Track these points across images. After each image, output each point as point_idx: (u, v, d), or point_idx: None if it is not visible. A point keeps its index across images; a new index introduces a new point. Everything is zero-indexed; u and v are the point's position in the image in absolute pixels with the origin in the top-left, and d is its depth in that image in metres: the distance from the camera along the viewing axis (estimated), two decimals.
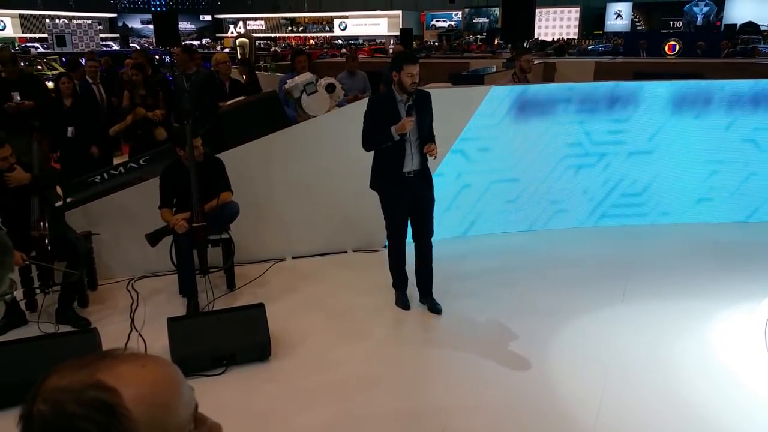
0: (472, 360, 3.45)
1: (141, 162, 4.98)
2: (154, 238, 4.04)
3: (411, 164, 3.74)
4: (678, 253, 4.97)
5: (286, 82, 5.53)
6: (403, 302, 4.04)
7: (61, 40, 22.48)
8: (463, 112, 4.96)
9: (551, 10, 37.24)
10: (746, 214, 5.60)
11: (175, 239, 3.97)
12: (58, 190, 4.25)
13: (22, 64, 8.20)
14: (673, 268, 4.63)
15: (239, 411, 2.99)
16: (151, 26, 25.90)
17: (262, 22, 46.23)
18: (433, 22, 42.02)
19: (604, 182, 5.41)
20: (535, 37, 25.49)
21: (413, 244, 3.97)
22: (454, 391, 3.22)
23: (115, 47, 31.66)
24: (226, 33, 44.18)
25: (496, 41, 23.93)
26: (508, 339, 3.65)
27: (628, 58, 12.81)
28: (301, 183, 4.85)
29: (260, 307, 3.47)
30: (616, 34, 30.87)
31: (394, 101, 3.68)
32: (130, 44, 34.65)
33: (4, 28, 35.06)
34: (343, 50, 24.73)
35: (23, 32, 35.34)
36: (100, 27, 31.17)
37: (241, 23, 46.19)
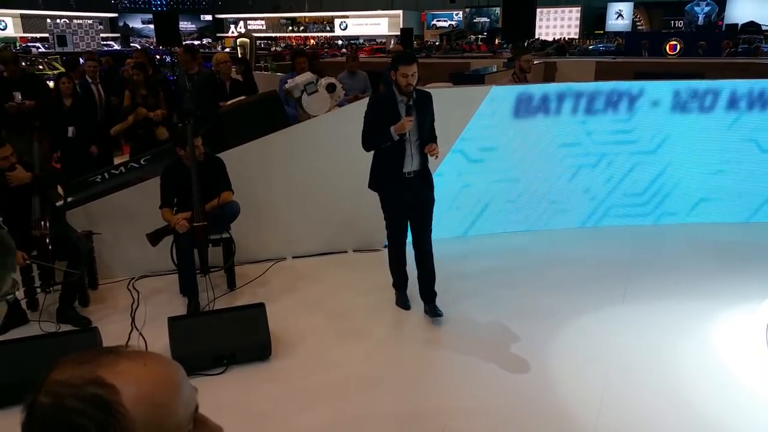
0: (472, 360, 3.45)
1: (142, 162, 4.98)
2: (154, 238, 4.05)
3: (411, 165, 3.72)
4: (679, 253, 4.97)
5: (287, 82, 5.54)
6: (403, 302, 4.04)
7: (62, 40, 22.50)
8: (463, 112, 4.96)
9: (552, 9, 37.23)
10: (748, 214, 5.59)
11: (176, 239, 3.97)
12: (59, 189, 4.26)
13: (23, 63, 8.20)
14: (674, 268, 4.63)
15: (239, 410, 2.99)
16: (151, 26, 25.92)
17: (263, 22, 46.25)
18: (434, 22, 42.02)
19: (604, 182, 5.41)
20: (536, 36, 25.50)
21: (413, 244, 3.96)
22: (454, 392, 3.22)
23: (116, 47, 31.66)
24: (227, 33, 44.20)
25: (496, 41, 23.94)
26: (508, 339, 3.64)
27: (629, 57, 12.80)
28: (302, 183, 4.85)
29: (260, 306, 3.47)
30: (617, 34, 30.88)
31: (395, 101, 3.65)
32: (131, 44, 34.67)
33: (5, 28, 35.10)
34: (344, 50, 24.74)
35: (24, 32, 35.38)
36: (101, 27, 31.20)
37: (241, 23, 46.22)
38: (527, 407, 3.03)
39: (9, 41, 28.81)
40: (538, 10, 20.25)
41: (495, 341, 3.64)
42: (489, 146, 5.11)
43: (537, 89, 5.17)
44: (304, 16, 45.54)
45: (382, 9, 41.64)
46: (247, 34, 20.15)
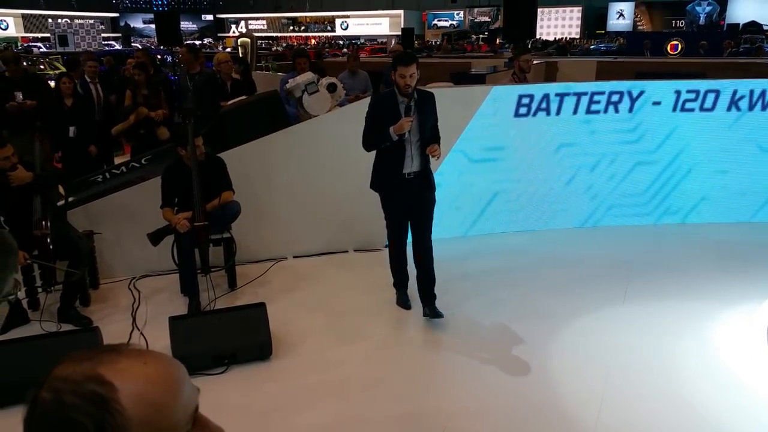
0: (472, 360, 3.45)
1: (143, 161, 4.99)
2: (155, 238, 4.05)
3: (411, 166, 3.69)
4: (679, 253, 4.96)
5: (288, 82, 5.54)
6: (403, 302, 4.04)
7: (63, 40, 22.51)
8: (464, 112, 4.96)
9: (553, 9, 37.22)
10: (749, 214, 5.59)
11: (177, 238, 3.98)
12: (60, 189, 4.26)
13: (24, 63, 8.20)
14: (674, 268, 4.63)
15: (240, 410, 3.00)
16: (152, 26, 25.94)
17: (264, 22, 46.29)
18: (435, 22, 42.03)
19: (605, 182, 5.40)
20: (537, 36, 25.49)
21: (413, 245, 3.94)
22: (454, 392, 3.22)
23: (117, 47, 31.69)
24: (228, 33, 44.22)
25: (497, 41, 23.92)
26: (508, 339, 3.65)
27: (630, 57, 12.79)
28: (303, 182, 4.85)
29: (261, 306, 3.47)
30: (618, 34, 30.85)
31: (395, 101, 3.63)
32: (132, 44, 34.70)
33: (7, 28, 35.15)
34: (345, 50, 24.73)
35: (26, 32, 35.44)
36: (103, 27, 31.21)
37: (242, 23, 46.24)
38: (527, 407, 3.03)
39: (10, 41, 28.86)
40: (539, 9, 20.22)
41: (495, 341, 3.64)
42: (489, 146, 5.11)
43: (537, 89, 5.17)
44: (305, 16, 45.57)
45: (383, 9, 41.66)
46: (248, 34, 20.15)
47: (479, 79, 7.63)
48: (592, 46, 25.96)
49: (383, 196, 3.84)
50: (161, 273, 4.49)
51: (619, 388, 3.13)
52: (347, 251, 5.02)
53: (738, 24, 27.97)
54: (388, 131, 3.57)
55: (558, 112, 5.15)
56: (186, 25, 41.89)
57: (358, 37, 41.16)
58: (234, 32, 42.71)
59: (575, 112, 5.18)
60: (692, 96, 5.26)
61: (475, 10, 40.03)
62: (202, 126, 4.44)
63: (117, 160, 6.49)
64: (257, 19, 46.35)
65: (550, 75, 10.22)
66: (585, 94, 5.16)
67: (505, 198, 5.28)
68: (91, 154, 5.88)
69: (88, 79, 6.70)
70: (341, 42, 38.25)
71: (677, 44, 14.12)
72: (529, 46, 14.51)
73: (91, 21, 28.25)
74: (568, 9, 37.67)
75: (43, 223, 3.73)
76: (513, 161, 5.19)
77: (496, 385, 3.21)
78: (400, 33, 25.33)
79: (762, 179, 5.48)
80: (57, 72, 10.49)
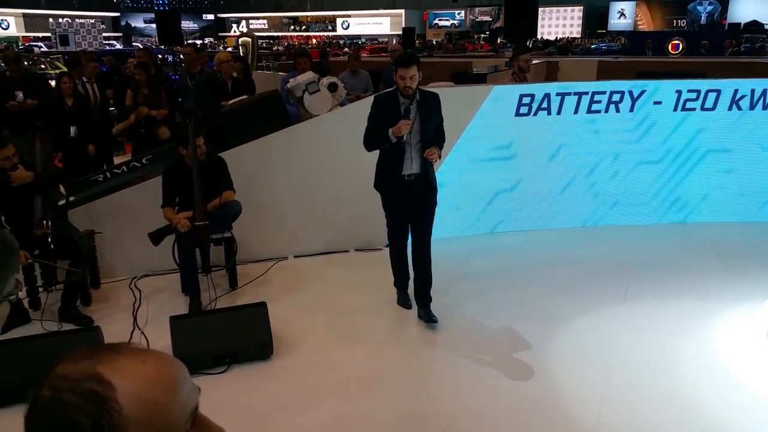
0: (472, 360, 3.45)
1: (143, 161, 4.99)
2: (156, 237, 4.05)
3: (410, 167, 3.66)
4: (680, 253, 4.96)
5: (289, 81, 5.55)
6: (404, 301, 4.04)
7: (64, 40, 22.51)
8: (465, 112, 4.95)
9: (554, 9, 37.20)
10: (749, 214, 5.58)
11: (178, 238, 3.98)
12: (61, 188, 4.27)
13: (25, 63, 8.21)
14: (675, 268, 4.63)
15: (241, 409, 3.00)
16: (153, 25, 25.93)
17: (265, 21, 46.29)
18: (436, 21, 42.03)
19: (605, 182, 5.40)
20: (539, 36, 25.47)
21: (412, 246, 3.92)
22: (454, 392, 3.22)
23: (118, 46, 31.72)
24: (229, 32, 44.23)
25: (499, 40, 23.91)
26: (509, 339, 3.65)
27: (631, 57, 12.77)
28: (303, 182, 4.85)
29: (262, 306, 3.47)
30: (620, 33, 30.83)
31: (397, 102, 3.60)
32: (133, 43, 34.72)
33: (8, 28, 35.16)
34: (346, 49, 24.73)
35: (27, 31, 35.45)
36: (103, 26, 31.22)
37: (243, 22, 46.25)
38: (528, 407, 3.03)
39: (11, 40, 28.89)
40: (540, 9, 20.21)
41: (496, 341, 3.64)
42: (490, 146, 5.11)
43: (538, 88, 5.17)
44: (306, 16, 45.57)
45: (384, 8, 41.65)
46: (249, 33, 20.15)
47: (480, 79, 7.63)
48: (593, 46, 25.93)
49: (384, 196, 3.83)
50: (162, 272, 4.49)
51: (620, 388, 3.13)
52: (348, 251, 5.02)
53: (740, 23, 27.93)
54: (388, 132, 3.55)
55: (559, 112, 5.15)
56: (187, 24, 41.89)
57: (359, 37, 41.17)
58: (235, 32, 42.72)
59: (576, 111, 5.17)
60: (693, 96, 5.25)
61: (476, 9, 40.02)
62: (202, 125, 4.44)
63: (117, 160, 6.50)
64: (258, 18, 46.35)
65: (551, 74, 10.22)
66: (586, 93, 5.16)
67: (505, 198, 5.28)
68: (89, 154, 5.89)
69: (84, 79, 6.71)
70: (342, 42, 38.24)
71: (678, 44, 14.11)
72: (530, 46, 14.49)
73: (92, 20, 28.23)
74: (569, 8, 37.66)
75: (44, 222, 3.73)
76: (514, 161, 5.19)
77: (497, 385, 3.21)
78: (401, 32, 25.33)
79: (763, 179, 5.47)
80: (58, 72, 10.50)
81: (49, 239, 3.71)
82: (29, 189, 3.73)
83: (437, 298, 3.89)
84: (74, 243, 3.84)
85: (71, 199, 4.46)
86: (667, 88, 5.24)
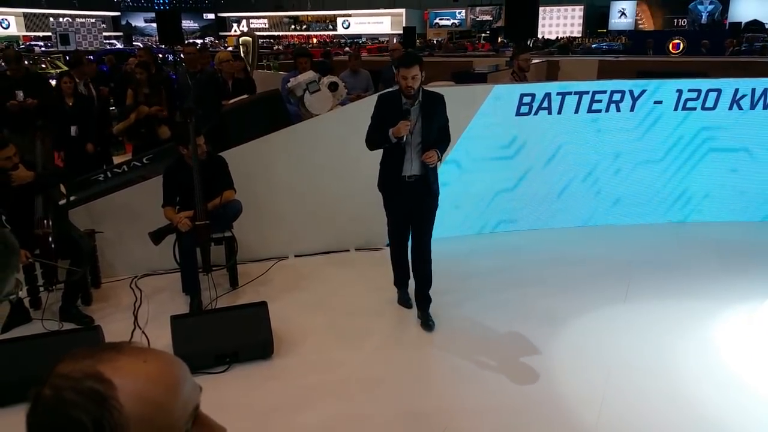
0: (473, 360, 3.45)
1: (144, 160, 4.99)
2: (157, 237, 4.06)
3: (411, 169, 3.63)
4: (681, 252, 4.96)
5: (289, 81, 5.55)
6: (405, 301, 4.04)
7: (64, 39, 22.52)
8: (465, 111, 4.95)
9: (555, 8, 37.18)
10: (750, 213, 5.58)
11: (178, 237, 3.98)
12: (62, 188, 4.27)
13: (26, 62, 8.21)
14: (675, 267, 4.62)
15: (241, 409, 3.00)
16: (154, 25, 25.95)
17: (266, 21, 46.30)
18: (437, 21, 42.02)
19: (606, 181, 5.40)
20: (539, 35, 25.46)
21: (411, 247, 3.90)
22: (455, 391, 3.22)
23: (119, 45, 31.72)
24: (230, 31, 44.24)
25: (499, 39, 23.90)
26: (509, 339, 3.65)
27: (632, 56, 12.77)
28: (304, 181, 4.85)
29: (263, 305, 3.48)
30: (620, 33, 30.82)
31: (399, 102, 3.57)
32: (134, 43, 34.73)
33: (8, 27, 35.17)
34: (347, 48, 24.73)
35: (27, 31, 35.47)
36: (104, 25, 31.26)
37: (244, 22, 46.25)
38: (528, 407, 3.03)
39: (12, 40, 28.90)
40: (541, 8, 20.20)
41: (496, 341, 3.64)
42: (491, 145, 5.11)
43: (539, 88, 5.17)
44: (307, 15, 45.57)
45: (385, 7, 41.65)
46: (250, 32, 20.15)
47: (481, 78, 7.63)
48: (594, 45, 25.90)
49: (385, 196, 3.82)
50: (163, 272, 4.49)
51: (620, 388, 3.13)
52: (348, 250, 5.02)
53: (740, 23, 27.90)
54: (388, 132, 3.53)
55: (559, 111, 5.14)
56: (187, 23, 41.91)
57: (359, 36, 41.17)
58: (235, 31, 42.73)
59: (577, 111, 5.17)
60: (694, 95, 5.25)
61: (477, 8, 40.01)
62: (203, 125, 4.44)
63: (118, 159, 6.50)
64: (259, 17, 46.36)
65: (551, 74, 10.21)
66: (587, 93, 5.15)
67: (506, 197, 5.27)
68: (88, 153, 5.88)
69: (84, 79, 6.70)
70: (343, 41, 38.24)
71: (679, 43, 14.09)
72: (531, 45, 14.47)
73: (93, 20, 28.25)
74: (569, 8, 37.64)
75: (45, 222, 3.74)
76: (514, 160, 5.19)
77: (497, 385, 3.21)
78: (401, 32, 25.33)
79: (763, 179, 5.47)
80: (58, 71, 10.50)
81: (50, 239, 3.71)
82: (30, 188, 3.73)
83: (437, 298, 3.89)
84: (75, 242, 3.84)
85: (72, 198, 4.46)
86: (667, 88, 5.24)
